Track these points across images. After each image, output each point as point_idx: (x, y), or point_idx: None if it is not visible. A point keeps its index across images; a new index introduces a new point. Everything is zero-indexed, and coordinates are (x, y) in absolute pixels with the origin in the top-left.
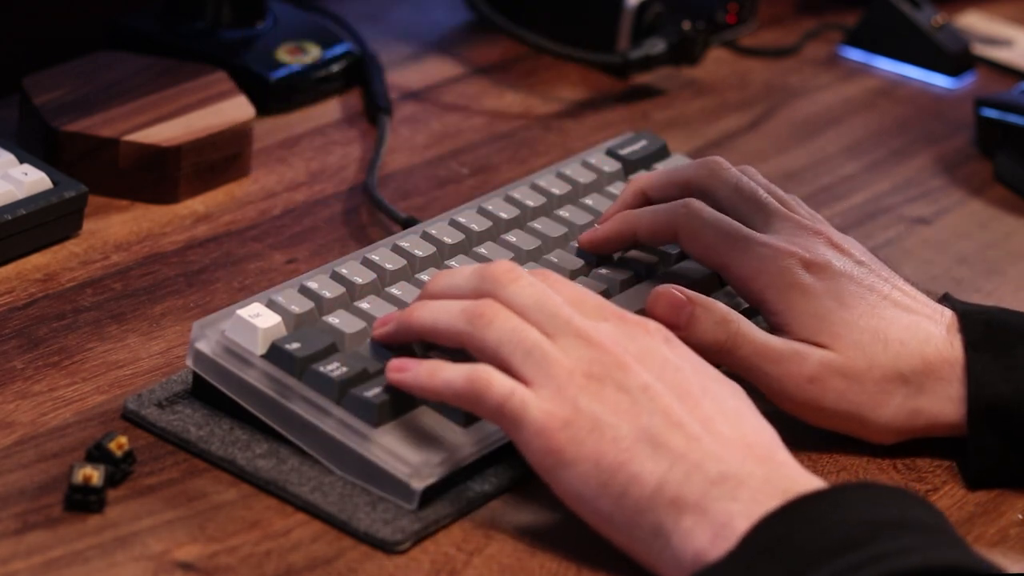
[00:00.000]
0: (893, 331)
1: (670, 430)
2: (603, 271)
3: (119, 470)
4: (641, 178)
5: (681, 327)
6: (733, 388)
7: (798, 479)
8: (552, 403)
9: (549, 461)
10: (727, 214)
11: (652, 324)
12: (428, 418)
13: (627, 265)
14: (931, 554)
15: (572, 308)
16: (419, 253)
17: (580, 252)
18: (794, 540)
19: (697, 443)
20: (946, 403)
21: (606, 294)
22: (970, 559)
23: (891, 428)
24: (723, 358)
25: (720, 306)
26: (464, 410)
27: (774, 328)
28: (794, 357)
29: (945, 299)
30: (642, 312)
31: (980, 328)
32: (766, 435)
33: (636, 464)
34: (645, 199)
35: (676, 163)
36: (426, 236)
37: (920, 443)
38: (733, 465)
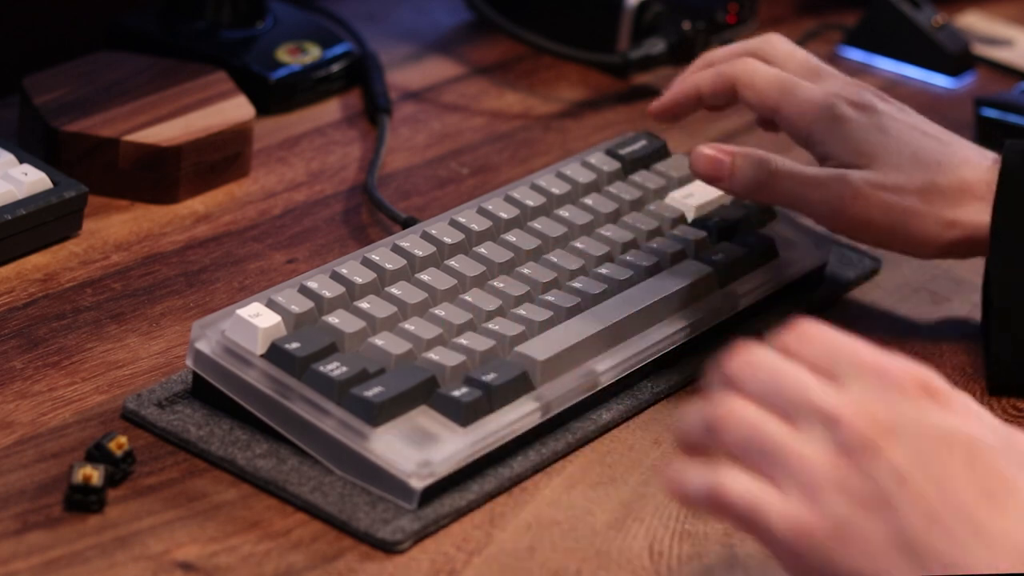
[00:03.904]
0: (931, 155)
1: (929, 531)
2: (603, 271)
3: (119, 470)
4: (708, 53)
5: (724, 179)
6: (1013, 447)
7: None
8: (793, 506)
9: (799, 571)
10: None
11: (911, 379)
12: (428, 418)
13: (627, 265)
14: None
15: (816, 375)
16: (419, 253)
17: (585, 242)
18: None
19: (960, 550)
20: (984, 216)
21: (606, 293)
22: None
23: (931, 240)
24: (767, 196)
25: (756, 151)
26: (464, 416)
27: (817, 160)
28: (836, 179)
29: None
30: None
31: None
32: None
33: None
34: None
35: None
36: (426, 236)
37: None
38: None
